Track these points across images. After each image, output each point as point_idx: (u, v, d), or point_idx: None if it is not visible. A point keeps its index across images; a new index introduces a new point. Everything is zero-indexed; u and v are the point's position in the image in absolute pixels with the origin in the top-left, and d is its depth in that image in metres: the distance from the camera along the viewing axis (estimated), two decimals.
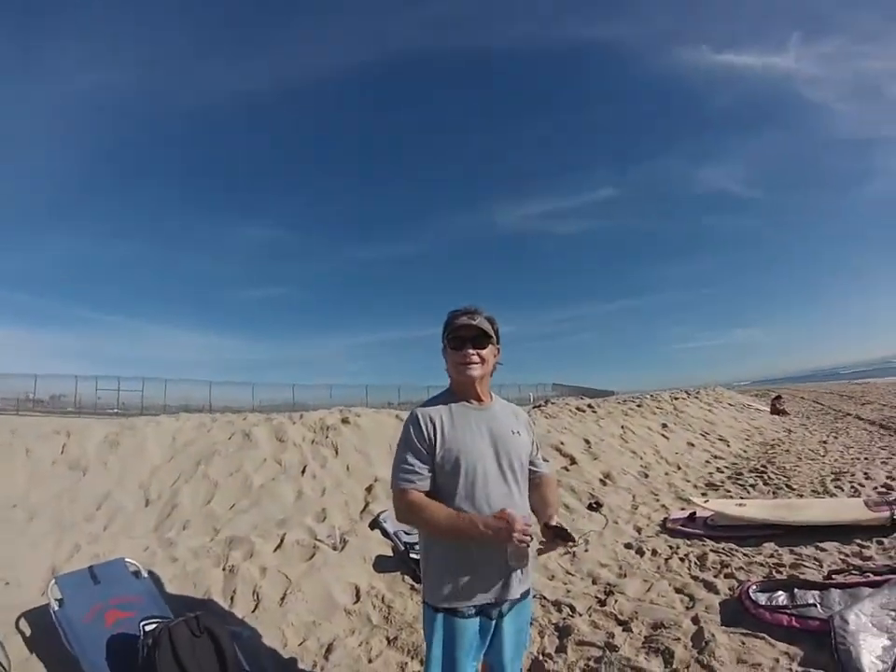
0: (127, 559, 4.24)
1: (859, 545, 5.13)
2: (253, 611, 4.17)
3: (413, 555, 4.79)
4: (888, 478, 7.90)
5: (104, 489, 6.03)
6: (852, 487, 7.55)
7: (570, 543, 2.16)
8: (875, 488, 7.34)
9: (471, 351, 2.20)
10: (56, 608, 3.62)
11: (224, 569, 4.63)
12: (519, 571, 2.16)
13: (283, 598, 4.31)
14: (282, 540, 5.12)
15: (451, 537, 2.08)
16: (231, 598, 4.29)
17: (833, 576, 4.30)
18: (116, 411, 27.79)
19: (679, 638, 3.56)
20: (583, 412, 12.93)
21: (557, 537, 2.13)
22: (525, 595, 2.26)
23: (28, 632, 3.73)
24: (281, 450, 7.18)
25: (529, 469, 2.37)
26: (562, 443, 9.39)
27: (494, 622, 2.18)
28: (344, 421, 8.27)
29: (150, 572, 4.27)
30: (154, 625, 3.25)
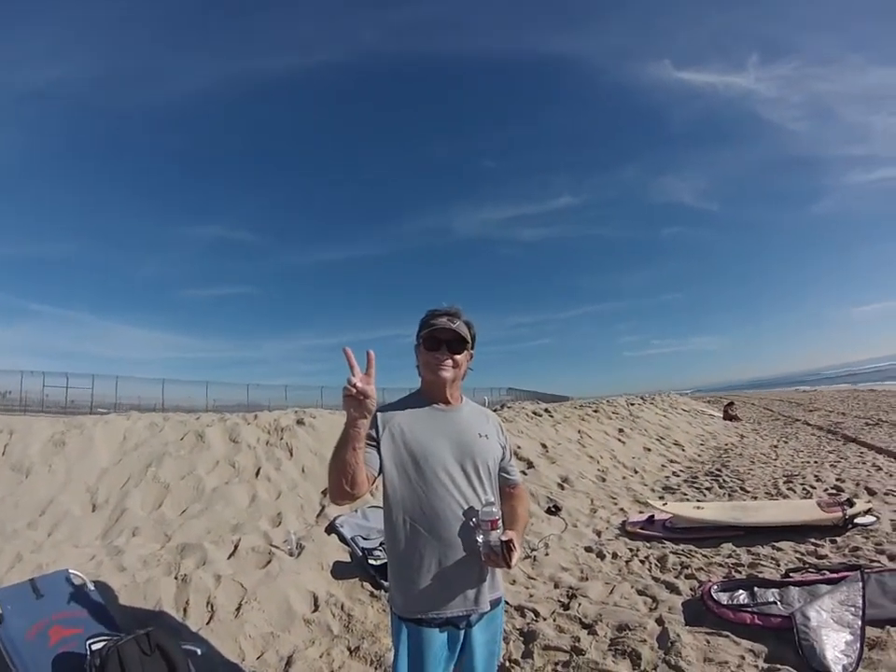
0: (71, 570, 3.93)
1: (813, 544, 5.29)
2: (208, 623, 3.94)
3: (371, 561, 4.73)
4: (837, 480, 8.16)
5: (48, 493, 5.78)
6: (804, 489, 7.78)
7: (504, 565, 1.96)
8: (826, 490, 7.59)
9: (444, 355, 2.14)
10: None
11: (176, 578, 4.33)
12: (489, 579, 2.08)
13: (238, 608, 4.11)
14: (236, 547, 4.93)
15: (340, 456, 1.86)
16: (185, 609, 4.05)
17: (791, 574, 4.40)
18: (64, 408, 26.93)
19: (644, 640, 3.58)
20: (540, 416, 12.99)
21: (499, 556, 1.95)
22: (495, 603, 2.17)
23: None
24: (235, 451, 7.01)
25: (501, 476, 2.30)
26: (519, 447, 9.43)
27: (463, 631, 2.09)
28: (299, 422, 8.14)
29: (97, 584, 3.95)
30: (102, 643, 3.06)
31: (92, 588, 3.82)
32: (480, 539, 1.99)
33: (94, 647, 3.06)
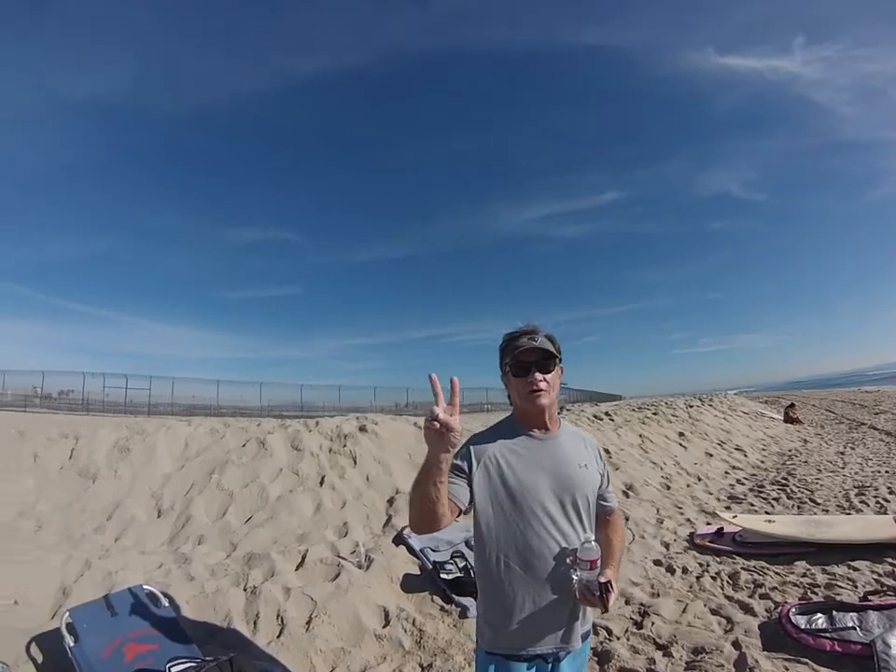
0: (145, 586, 4.00)
1: (890, 564, 5.08)
2: (278, 637, 3.93)
3: (443, 575, 4.70)
4: None
5: (114, 498, 5.98)
6: (877, 503, 7.49)
7: (601, 607, 1.90)
8: None
9: (539, 377, 2.00)
10: (71, 643, 3.35)
11: (245, 590, 4.42)
12: (581, 616, 2.02)
13: (309, 622, 4.07)
14: (304, 558, 4.95)
15: (421, 491, 1.77)
16: (255, 623, 4.05)
17: (870, 597, 4.27)
18: (124, 409, 27.86)
19: (721, 665, 3.51)
20: (601, 420, 12.87)
21: (596, 597, 1.90)
22: (585, 636, 2.10)
23: (39, 658, 3.51)
24: (297, 459, 7.10)
25: (598, 504, 2.18)
26: None
27: (550, 665, 2.03)
28: (362, 429, 8.18)
29: (168, 597, 4.03)
30: (183, 667, 3.09)
31: (167, 604, 3.87)
32: (576, 577, 1.94)
33: (175, 670, 3.09)
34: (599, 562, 1.94)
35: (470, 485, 1.99)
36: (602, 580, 1.89)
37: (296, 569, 4.82)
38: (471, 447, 2.05)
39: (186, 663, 3.17)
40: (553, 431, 2.13)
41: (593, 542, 1.95)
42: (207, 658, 3.21)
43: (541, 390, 2.01)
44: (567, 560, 1.96)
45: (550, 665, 2.04)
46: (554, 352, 2.06)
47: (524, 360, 2.03)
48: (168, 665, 3.13)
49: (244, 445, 7.32)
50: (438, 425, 1.63)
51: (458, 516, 1.98)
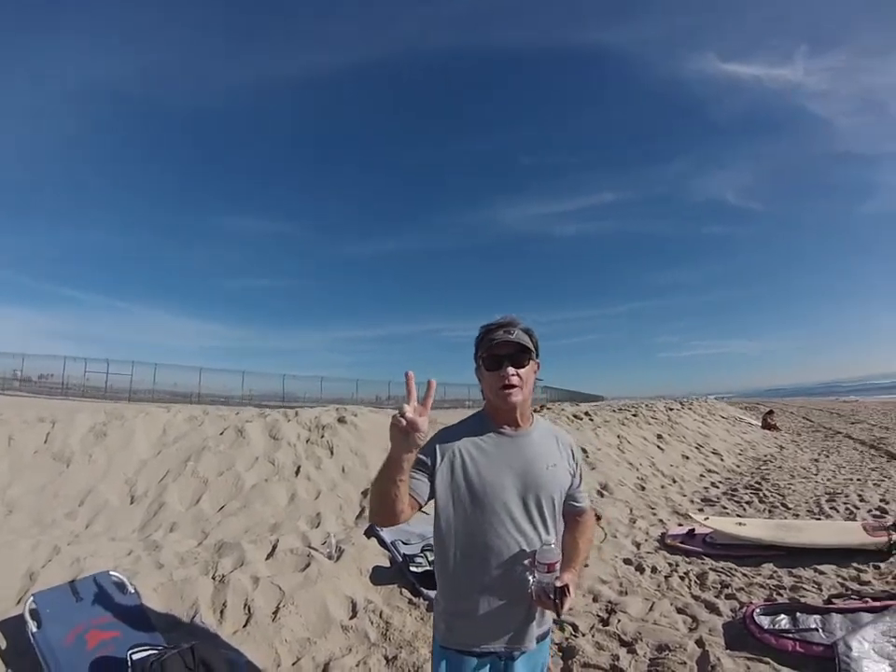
0: (112, 572, 3.95)
1: (856, 569, 5.19)
2: (244, 626, 3.90)
3: (412, 568, 4.70)
4: (881, 501, 8.01)
5: (87, 483, 5.94)
6: (847, 509, 7.64)
7: (554, 611, 1.87)
8: (870, 511, 7.45)
9: (511, 371, 1.93)
10: (34, 629, 3.29)
11: (213, 578, 4.37)
12: (537, 618, 2.00)
13: (276, 612, 4.05)
14: (274, 547, 4.94)
15: (380, 485, 1.76)
16: (221, 612, 4.01)
17: (834, 600, 4.35)
18: (104, 394, 27.62)
19: (684, 662, 3.55)
20: (580, 419, 12.96)
21: (550, 601, 1.87)
22: (542, 637, 2.09)
23: (3, 644, 3.46)
24: (274, 448, 7.09)
25: (568, 504, 2.14)
26: None
27: (504, 662, 2.02)
28: (341, 420, 8.19)
29: (135, 584, 3.98)
30: (144, 654, 3.04)
31: (132, 591, 3.85)
32: (533, 579, 1.92)
33: (136, 657, 3.05)
34: (558, 565, 1.92)
35: (432, 481, 1.96)
36: (558, 584, 1.86)
37: (266, 559, 4.80)
38: (437, 442, 2.01)
39: (148, 650, 3.13)
40: (525, 428, 2.07)
41: (552, 545, 1.92)
42: (169, 646, 3.19)
43: (513, 385, 1.95)
44: (526, 561, 1.94)
45: (504, 663, 2.03)
46: (530, 346, 1.99)
47: (497, 354, 1.96)
48: (129, 653, 3.10)
49: (221, 433, 7.30)
50: (404, 423, 1.60)
51: (418, 510, 1.96)
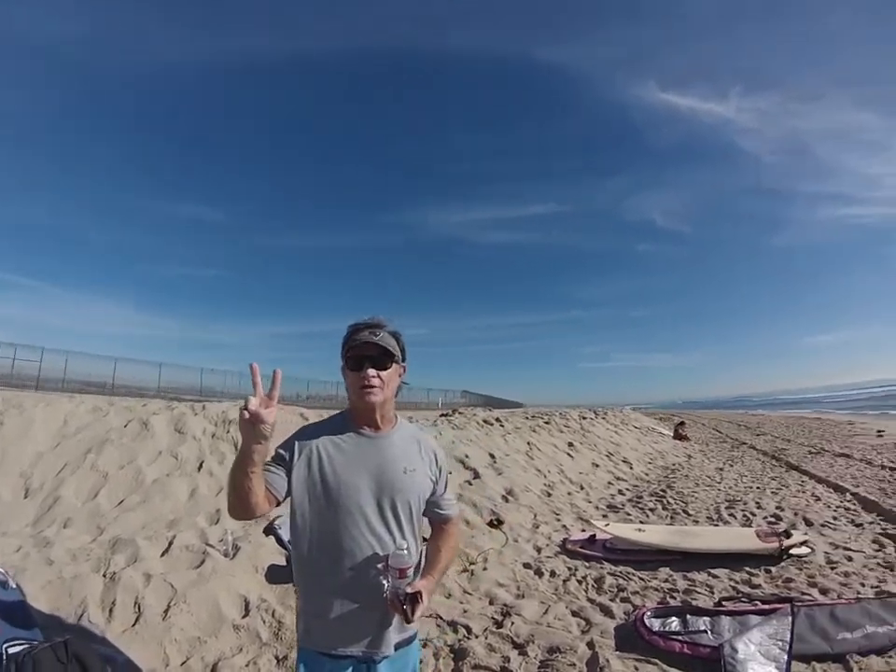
0: None
1: (748, 573, 5.41)
2: (133, 625, 3.78)
3: None
4: (777, 508, 8.39)
5: None
6: (744, 516, 7.97)
7: (404, 618, 1.85)
8: (766, 518, 7.79)
9: (372, 373, 1.95)
10: None
11: (104, 576, 4.23)
12: (396, 622, 1.96)
13: (167, 611, 3.94)
14: (170, 544, 4.82)
15: (233, 477, 1.77)
16: (111, 610, 3.87)
17: (724, 603, 4.49)
18: (9, 381, 25.95)
19: (573, 664, 3.61)
20: (491, 424, 13.06)
21: (403, 605, 1.85)
22: (405, 643, 2.06)
23: None
24: (179, 442, 6.91)
25: (432, 511, 2.17)
26: (466, 456, 9.44)
27: (366, 667, 1.99)
28: None
29: (20, 580, 3.79)
30: (20, 648, 2.92)
31: (14, 586, 3.66)
32: (388, 584, 1.90)
33: (11, 651, 2.93)
34: (411, 571, 1.92)
35: (289, 476, 1.95)
36: (410, 590, 1.85)
37: (161, 556, 4.69)
38: (297, 438, 2.02)
39: (22, 644, 3.01)
40: (385, 431, 2.08)
41: (405, 550, 1.90)
42: (43, 641, 3.07)
43: (373, 387, 1.96)
44: (379, 565, 1.92)
45: (366, 667, 2.00)
46: (393, 351, 2.00)
47: (360, 354, 1.98)
48: (5, 646, 2.96)
49: (126, 425, 7.06)
50: (247, 415, 1.64)
51: (276, 506, 1.95)
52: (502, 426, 13.20)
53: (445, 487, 2.21)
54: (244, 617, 4.10)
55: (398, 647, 2.02)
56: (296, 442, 1.99)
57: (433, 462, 2.15)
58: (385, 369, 1.98)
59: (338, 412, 2.19)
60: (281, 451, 1.98)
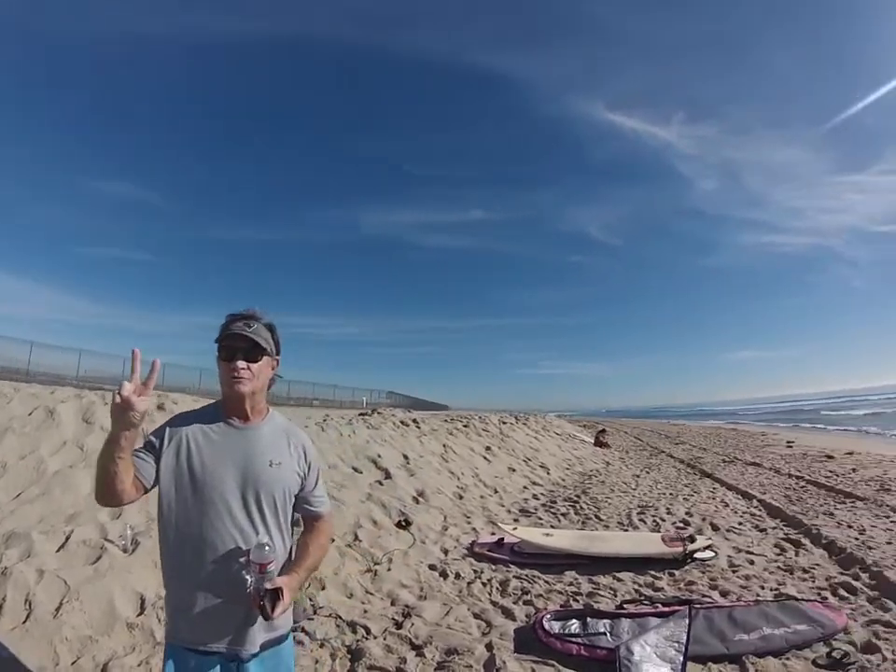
0: None
1: (652, 577, 5.56)
2: (24, 623, 3.60)
3: None
4: (686, 514, 8.66)
5: None
6: (654, 521, 8.20)
7: (262, 615, 1.82)
8: (674, 523, 8.02)
9: (241, 364, 1.97)
10: None
11: None
12: (262, 620, 1.89)
13: (59, 608, 3.76)
14: (67, 538, 4.56)
15: (100, 462, 1.76)
16: (0, 606, 3.69)
17: (625, 605, 4.59)
18: None
19: (470, 665, 3.63)
20: (407, 426, 13.02)
21: (262, 600, 1.81)
22: (275, 642, 2.03)
23: None
24: (86, 433, 6.53)
25: (302, 507, 2.15)
26: (379, 456, 9.37)
27: (235, 665, 1.96)
28: (160, 407, 7.82)
29: None
30: None
31: None
32: (250, 579, 1.87)
33: None
34: (271, 566, 1.87)
35: (158, 464, 1.95)
36: (269, 586, 1.82)
37: (57, 551, 4.43)
38: (168, 426, 2.02)
39: None
40: (254, 422, 2.08)
41: (265, 545, 1.88)
42: None
43: (242, 378, 1.97)
44: (242, 560, 1.90)
45: (235, 665, 1.97)
46: (265, 345, 2.02)
47: (231, 345, 1.99)
48: None
49: (30, 413, 6.64)
50: (119, 399, 1.66)
51: (145, 493, 1.94)
52: (419, 427, 13.20)
53: (316, 483, 2.19)
54: (139, 615, 3.95)
55: (266, 646, 1.98)
56: (167, 429, 1.99)
57: (301, 457, 2.15)
58: (256, 361, 2.00)
59: (212, 401, 2.19)
60: (152, 438, 1.98)
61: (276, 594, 1.81)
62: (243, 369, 1.97)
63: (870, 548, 6.28)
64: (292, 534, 2.14)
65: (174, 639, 1.95)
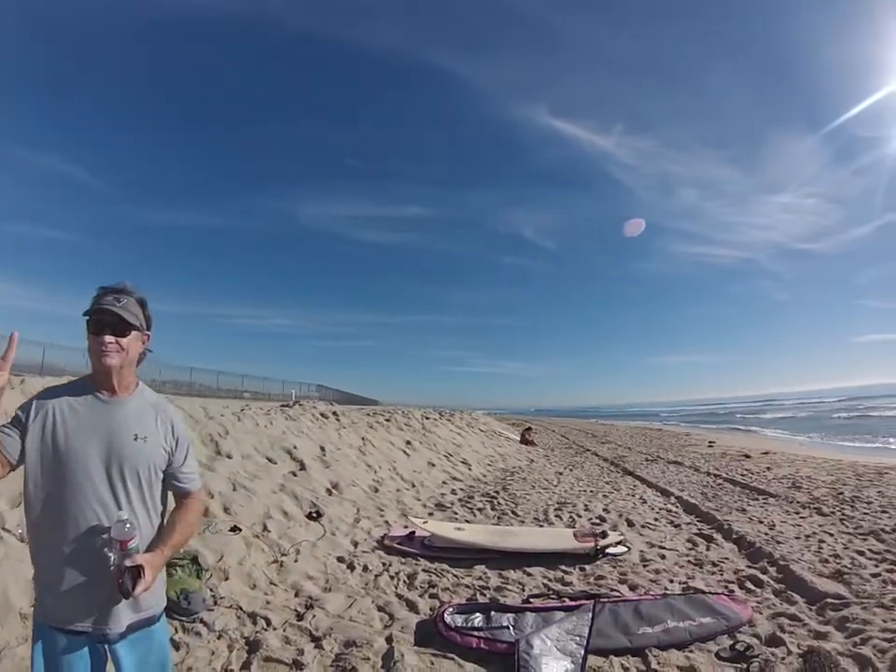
0: None
1: (563, 571, 5.68)
2: None
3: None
4: (604, 510, 8.91)
5: None
6: (571, 517, 8.38)
7: (121, 594, 1.80)
8: (591, 519, 8.22)
9: (109, 338, 1.95)
10: None
11: None
12: (128, 599, 1.86)
13: None
14: None
15: None
16: None
17: (532, 600, 4.67)
18: None
19: (368, 658, 3.65)
20: (327, 418, 12.93)
21: (123, 578, 1.79)
22: (144, 623, 2.02)
23: None
24: None
25: (171, 483, 2.14)
26: (295, 447, 9.28)
27: (104, 647, 1.97)
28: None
29: None
30: None
31: None
32: (112, 556, 1.84)
33: None
34: (132, 543, 1.84)
35: (24, 440, 1.92)
36: (129, 563, 1.80)
37: None
38: (35, 399, 2.00)
39: None
40: (122, 396, 2.07)
41: (125, 521, 1.84)
42: None
43: (109, 352, 1.96)
44: (104, 536, 1.88)
45: (104, 647, 1.97)
46: (133, 321, 2.01)
47: (100, 319, 1.97)
48: None
49: None
50: None
51: (11, 471, 1.92)
52: (338, 420, 13.12)
53: (185, 460, 2.18)
54: (32, 605, 3.82)
55: (135, 627, 1.98)
56: (34, 403, 1.98)
57: (169, 432, 2.14)
58: (125, 335, 1.99)
59: (82, 375, 2.16)
60: (19, 412, 1.96)
61: (137, 571, 1.79)
62: (110, 343, 1.95)
63: (778, 542, 6.59)
64: (164, 511, 2.12)
65: (42, 618, 1.93)
